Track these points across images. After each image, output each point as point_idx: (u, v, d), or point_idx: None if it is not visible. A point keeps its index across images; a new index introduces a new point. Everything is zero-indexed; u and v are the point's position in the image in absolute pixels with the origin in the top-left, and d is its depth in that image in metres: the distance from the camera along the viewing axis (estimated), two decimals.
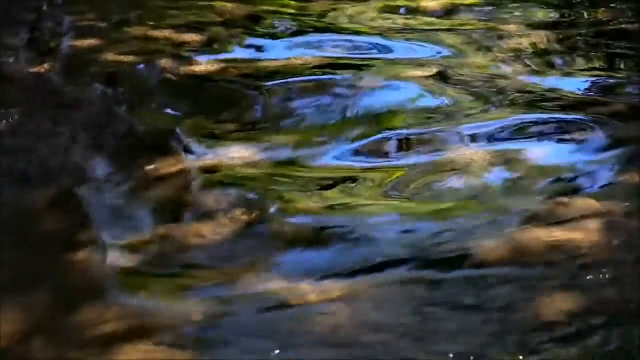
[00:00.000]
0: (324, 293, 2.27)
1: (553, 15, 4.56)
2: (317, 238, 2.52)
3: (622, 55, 3.97)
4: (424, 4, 4.70)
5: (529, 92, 3.51)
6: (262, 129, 3.25)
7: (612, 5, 4.61)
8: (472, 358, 2.03)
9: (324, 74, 3.71)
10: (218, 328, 2.18)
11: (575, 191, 2.72)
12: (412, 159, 2.98)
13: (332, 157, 3.02)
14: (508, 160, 2.93)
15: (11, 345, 2.14)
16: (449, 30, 4.31)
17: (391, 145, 3.09)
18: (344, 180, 2.86)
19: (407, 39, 4.14)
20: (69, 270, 2.41)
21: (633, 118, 3.25)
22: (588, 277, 2.28)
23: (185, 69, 3.76)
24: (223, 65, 3.80)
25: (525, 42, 4.08)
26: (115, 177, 2.90)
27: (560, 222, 2.52)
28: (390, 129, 3.22)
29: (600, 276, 2.29)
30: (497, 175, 2.85)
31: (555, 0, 4.74)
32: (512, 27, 4.30)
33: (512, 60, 3.88)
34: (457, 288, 2.28)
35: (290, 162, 3.00)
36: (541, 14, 4.56)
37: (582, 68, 3.84)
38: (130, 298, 2.31)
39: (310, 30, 4.31)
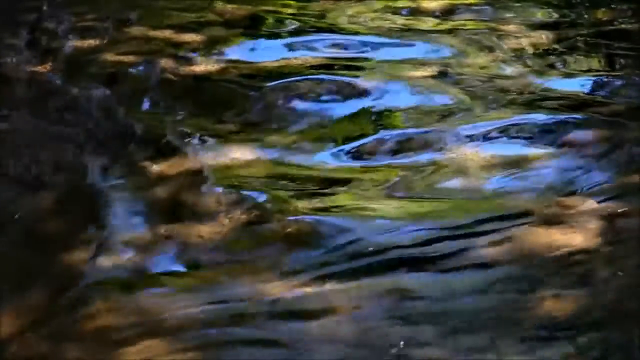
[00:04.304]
0: (324, 293, 2.27)
1: (553, 15, 4.55)
2: (317, 238, 2.52)
3: (622, 55, 3.97)
4: (424, 4, 4.70)
5: (529, 92, 3.51)
6: (262, 129, 3.25)
7: (612, 5, 4.60)
8: (471, 357, 2.04)
9: (324, 74, 3.71)
10: (218, 328, 2.18)
11: (575, 191, 2.72)
12: (412, 159, 2.98)
13: (331, 157, 3.02)
14: (508, 160, 2.93)
15: (11, 344, 2.14)
16: (449, 30, 4.30)
17: (391, 145, 3.09)
18: (344, 180, 2.86)
19: (407, 39, 4.14)
20: (69, 270, 2.41)
21: (633, 118, 3.25)
22: (588, 277, 2.28)
23: (185, 69, 3.76)
24: (223, 65, 3.80)
25: (525, 42, 4.07)
26: (115, 177, 2.90)
27: (560, 222, 2.52)
28: (390, 129, 3.21)
29: (601, 276, 2.29)
30: (497, 175, 2.85)
31: (555, 0, 4.74)
32: (512, 27, 4.29)
33: (512, 60, 3.87)
34: (457, 288, 2.28)
35: (290, 162, 3.00)
36: (541, 14, 4.56)
37: (582, 68, 3.83)
38: (131, 298, 2.31)
39: (310, 30, 4.30)
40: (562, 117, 3.25)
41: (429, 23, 4.42)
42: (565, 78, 3.70)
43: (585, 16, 4.53)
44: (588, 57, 3.95)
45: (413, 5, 4.69)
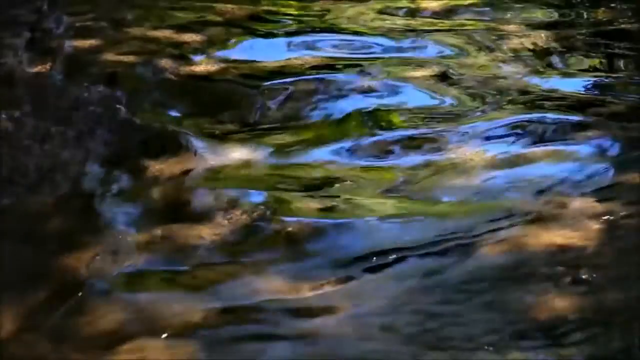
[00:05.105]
0: (324, 293, 2.27)
1: (553, 15, 4.56)
2: (317, 238, 2.52)
3: (622, 55, 3.98)
4: (424, 4, 4.71)
5: (529, 92, 3.51)
6: (262, 129, 3.25)
7: (612, 5, 4.61)
8: (470, 357, 2.04)
9: (324, 74, 3.71)
10: (218, 328, 2.18)
11: (575, 191, 2.72)
12: (412, 159, 2.98)
13: (331, 157, 3.02)
14: (508, 160, 2.93)
15: (12, 344, 2.14)
16: (449, 30, 4.31)
17: (391, 145, 3.09)
18: (344, 180, 2.86)
19: (407, 39, 4.14)
20: (69, 270, 2.41)
21: (633, 118, 3.25)
22: (588, 277, 2.28)
23: (185, 69, 3.76)
24: (223, 65, 3.80)
25: (525, 42, 4.08)
26: (115, 177, 2.90)
27: (560, 222, 2.52)
28: (390, 129, 3.22)
29: (600, 276, 2.29)
30: (496, 175, 2.85)
31: (555, 0, 4.74)
32: (512, 27, 4.30)
33: (512, 60, 3.88)
34: (457, 288, 2.28)
35: (290, 162, 3.00)
36: (541, 14, 4.56)
37: (582, 68, 3.84)
38: (130, 298, 2.31)
39: (310, 30, 4.31)
40: (562, 117, 3.25)
41: (428, 23, 4.43)
42: (565, 78, 3.71)
43: (585, 16, 4.53)
44: (588, 57, 3.95)
45: (412, 5, 4.69)
